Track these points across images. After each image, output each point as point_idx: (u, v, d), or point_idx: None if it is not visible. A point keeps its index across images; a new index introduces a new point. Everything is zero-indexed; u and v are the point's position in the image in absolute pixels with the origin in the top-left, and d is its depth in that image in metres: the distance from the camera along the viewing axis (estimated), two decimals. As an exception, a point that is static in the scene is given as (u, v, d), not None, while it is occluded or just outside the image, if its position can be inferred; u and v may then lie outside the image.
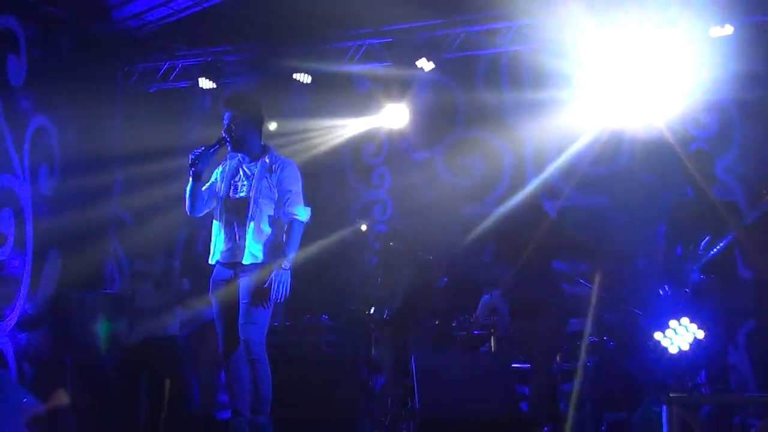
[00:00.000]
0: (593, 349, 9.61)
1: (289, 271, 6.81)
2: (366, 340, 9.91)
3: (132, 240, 11.39)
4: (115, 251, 11.76)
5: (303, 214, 6.92)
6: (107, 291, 11.16)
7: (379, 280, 9.14)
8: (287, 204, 6.90)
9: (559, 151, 10.64)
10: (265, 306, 6.80)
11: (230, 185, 7.07)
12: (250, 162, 7.06)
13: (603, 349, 9.60)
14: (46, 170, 10.61)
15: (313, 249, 10.80)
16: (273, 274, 6.74)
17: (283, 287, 6.76)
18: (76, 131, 10.94)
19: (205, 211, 7.15)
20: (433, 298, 9.28)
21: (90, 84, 11.34)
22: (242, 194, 6.98)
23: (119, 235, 11.80)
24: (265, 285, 6.74)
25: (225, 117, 7.05)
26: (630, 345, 9.86)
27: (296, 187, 6.98)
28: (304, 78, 11.51)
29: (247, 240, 6.89)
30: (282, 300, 6.78)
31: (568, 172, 10.88)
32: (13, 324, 10.02)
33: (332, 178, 12.11)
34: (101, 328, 9.32)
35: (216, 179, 7.15)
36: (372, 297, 9.30)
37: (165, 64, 12.09)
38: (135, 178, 11.49)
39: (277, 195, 6.93)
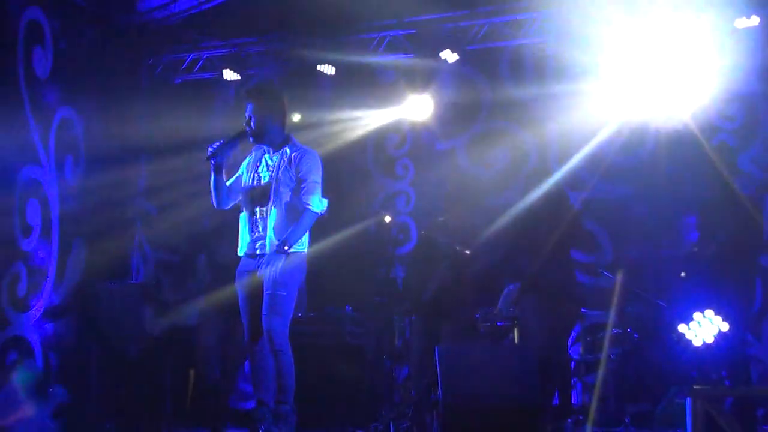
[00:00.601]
0: (617, 340, 9.61)
1: (282, 256, 6.81)
2: (389, 330, 9.93)
3: (157, 231, 11.44)
4: (141, 242, 11.83)
5: (317, 204, 6.93)
6: (132, 281, 11.22)
7: (412, 270, 9.11)
8: (303, 192, 6.93)
9: (584, 142, 10.59)
10: (286, 295, 6.83)
11: (253, 176, 7.11)
12: (273, 153, 7.08)
13: (626, 340, 9.60)
14: (71, 161, 10.66)
15: (336, 240, 10.85)
16: (265, 257, 6.80)
17: (271, 270, 6.77)
18: (102, 122, 10.98)
19: (232, 204, 7.19)
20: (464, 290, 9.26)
21: (115, 75, 11.40)
22: (264, 185, 7.02)
23: (144, 226, 11.88)
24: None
25: (247, 108, 7.08)
26: (654, 337, 9.86)
27: (313, 176, 6.99)
28: (328, 69, 11.53)
29: (268, 230, 6.92)
30: (271, 282, 6.76)
31: (593, 163, 10.86)
32: (39, 314, 10.08)
33: (355, 169, 12.12)
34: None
35: (242, 171, 7.18)
36: (403, 286, 9.31)
37: (189, 56, 12.12)
38: (160, 170, 11.54)
39: (295, 184, 6.96)
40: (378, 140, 12.11)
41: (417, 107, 11.50)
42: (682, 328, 9.49)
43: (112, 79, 11.32)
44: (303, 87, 11.54)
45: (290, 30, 11.44)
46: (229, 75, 11.84)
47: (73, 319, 10.45)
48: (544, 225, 8.19)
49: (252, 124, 7.02)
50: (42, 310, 10.12)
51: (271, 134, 7.07)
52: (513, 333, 9.17)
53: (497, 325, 9.29)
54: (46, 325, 10.15)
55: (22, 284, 9.88)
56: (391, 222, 10.46)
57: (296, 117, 11.34)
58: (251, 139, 7.03)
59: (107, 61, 11.21)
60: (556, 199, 8.42)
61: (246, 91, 7.24)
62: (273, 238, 6.89)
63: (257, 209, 7.02)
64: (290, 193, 6.96)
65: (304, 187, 6.92)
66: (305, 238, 7.04)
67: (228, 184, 7.12)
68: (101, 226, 10.81)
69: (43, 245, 10.19)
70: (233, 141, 6.95)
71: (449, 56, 11.01)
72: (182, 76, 12.28)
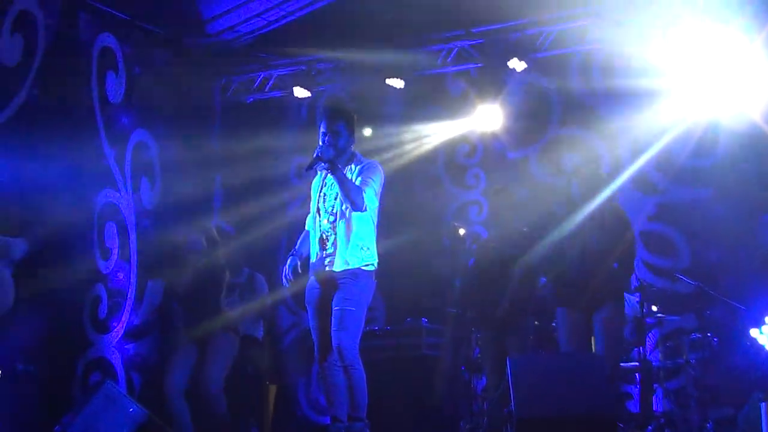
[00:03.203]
0: (697, 345, 9.49)
1: (351, 275, 6.87)
2: (466, 341, 9.92)
3: (232, 250, 11.53)
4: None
5: (368, 198, 6.90)
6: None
7: (478, 281, 9.09)
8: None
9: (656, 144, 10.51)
10: (355, 311, 6.86)
11: (321, 195, 7.14)
12: (324, 168, 7.07)
13: (707, 345, 9.47)
14: (147, 184, 10.85)
15: (411, 252, 10.89)
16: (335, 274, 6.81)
17: (341, 286, 6.84)
18: (176, 144, 11.16)
19: None
20: (535, 299, 9.22)
21: (188, 97, 11.60)
22: (332, 203, 7.04)
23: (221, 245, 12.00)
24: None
25: (324, 125, 7.03)
26: (734, 341, 9.72)
27: (369, 177, 6.95)
28: (397, 83, 11.57)
29: (338, 248, 6.94)
30: (340, 299, 6.81)
31: (666, 165, 10.76)
32: (120, 335, 10.27)
33: (427, 180, 12.14)
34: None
35: (312, 191, 7.24)
36: (472, 299, 9.29)
37: (260, 75, 12.27)
38: (235, 189, 11.69)
39: None
40: (449, 151, 12.11)
41: (487, 117, 11.46)
42: (753, 332, 9.34)
43: (185, 101, 11.52)
44: (372, 101, 11.59)
45: (358, 45, 11.49)
46: (300, 92, 11.94)
47: (153, 339, 10.62)
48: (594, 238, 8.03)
49: (334, 141, 6.99)
50: (123, 331, 10.30)
51: (345, 152, 7.09)
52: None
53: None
54: (127, 346, 10.34)
55: (102, 306, 10.09)
56: (465, 234, 10.46)
57: (367, 131, 11.42)
58: (330, 154, 6.94)
59: (180, 84, 11.40)
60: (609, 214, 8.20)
61: (328, 109, 7.22)
62: (344, 255, 6.90)
63: (326, 227, 7.05)
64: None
65: (359, 182, 6.93)
66: (375, 255, 7.03)
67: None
68: (178, 248, 10.97)
69: (122, 267, 10.38)
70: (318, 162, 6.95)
71: (517, 65, 10.99)
72: (254, 95, 12.42)
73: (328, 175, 7.07)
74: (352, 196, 6.80)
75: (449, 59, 11.43)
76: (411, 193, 11.73)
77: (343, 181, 6.82)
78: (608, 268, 7.83)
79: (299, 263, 7.13)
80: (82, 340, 9.84)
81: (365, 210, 6.88)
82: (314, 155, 6.87)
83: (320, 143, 7.00)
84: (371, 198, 6.91)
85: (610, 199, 8.13)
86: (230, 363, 8.88)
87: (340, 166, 6.89)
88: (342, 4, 10.94)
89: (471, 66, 11.50)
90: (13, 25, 9.28)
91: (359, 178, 6.94)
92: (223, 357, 8.82)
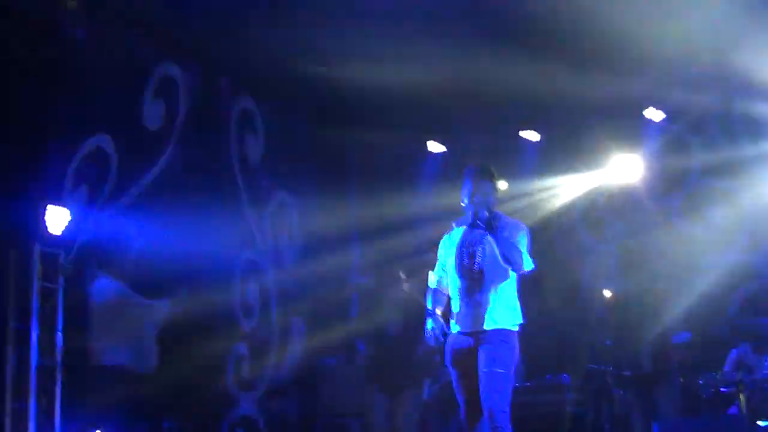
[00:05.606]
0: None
1: (501, 338, 6.75)
2: (608, 398, 9.74)
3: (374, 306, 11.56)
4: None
5: (527, 260, 6.86)
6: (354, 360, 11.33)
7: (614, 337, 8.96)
8: None
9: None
10: (505, 373, 6.76)
11: (464, 254, 7.08)
12: (481, 228, 7.03)
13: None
14: (287, 242, 10.98)
15: (551, 307, 10.77)
16: (483, 334, 6.73)
17: (489, 346, 6.71)
18: (314, 202, 11.27)
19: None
20: (678, 355, 9.03)
21: (325, 155, 11.70)
22: (479, 260, 6.98)
23: (361, 301, 12.04)
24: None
25: (477, 187, 7.00)
26: None
27: (520, 238, 6.90)
28: (532, 136, 11.50)
29: (489, 306, 6.86)
30: (489, 360, 6.69)
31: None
32: (261, 392, 10.37)
33: (564, 234, 12.01)
34: None
35: (444, 250, 7.19)
36: (612, 353, 9.15)
37: (394, 129, 12.26)
38: (373, 245, 11.71)
39: None
40: (585, 202, 11.95)
41: (625, 167, 11.32)
42: None
43: (322, 159, 11.62)
44: (507, 153, 11.52)
45: (492, 98, 11.44)
46: (435, 147, 11.94)
47: (296, 397, 10.69)
48: None
49: (485, 201, 6.97)
50: (264, 388, 10.39)
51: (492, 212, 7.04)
52: (739, 399, 8.82)
53: (721, 391, 8.98)
54: (269, 404, 10.41)
55: (245, 364, 10.19)
56: (608, 298, 10.30)
57: (503, 185, 11.33)
58: (484, 217, 6.92)
59: (316, 142, 11.51)
60: None
61: (477, 169, 7.17)
62: (493, 314, 6.82)
63: (473, 286, 6.98)
64: (506, 269, 6.91)
65: None
66: (521, 314, 6.96)
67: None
68: (319, 304, 11.04)
69: (264, 325, 10.49)
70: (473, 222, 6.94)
71: (654, 114, 10.84)
72: (389, 150, 12.41)
73: (469, 233, 7.05)
74: (513, 257, 6.74)
75: (584, 111, 11.31)
76: (548, 247, 11.58)
77: (504, 243, 6.76)
78: None
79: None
80: (227, 398, 9.98)
81: (524, 271, 6.84)
82: (470, 214, 6.86)
83: (465, 202, 6.99)
84: (528, 259, 6.87)
85: None
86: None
87: (497, 225, 6.85)
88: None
89: (606, 116, 11.35)
90: (155, 91, 9.51)
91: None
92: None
